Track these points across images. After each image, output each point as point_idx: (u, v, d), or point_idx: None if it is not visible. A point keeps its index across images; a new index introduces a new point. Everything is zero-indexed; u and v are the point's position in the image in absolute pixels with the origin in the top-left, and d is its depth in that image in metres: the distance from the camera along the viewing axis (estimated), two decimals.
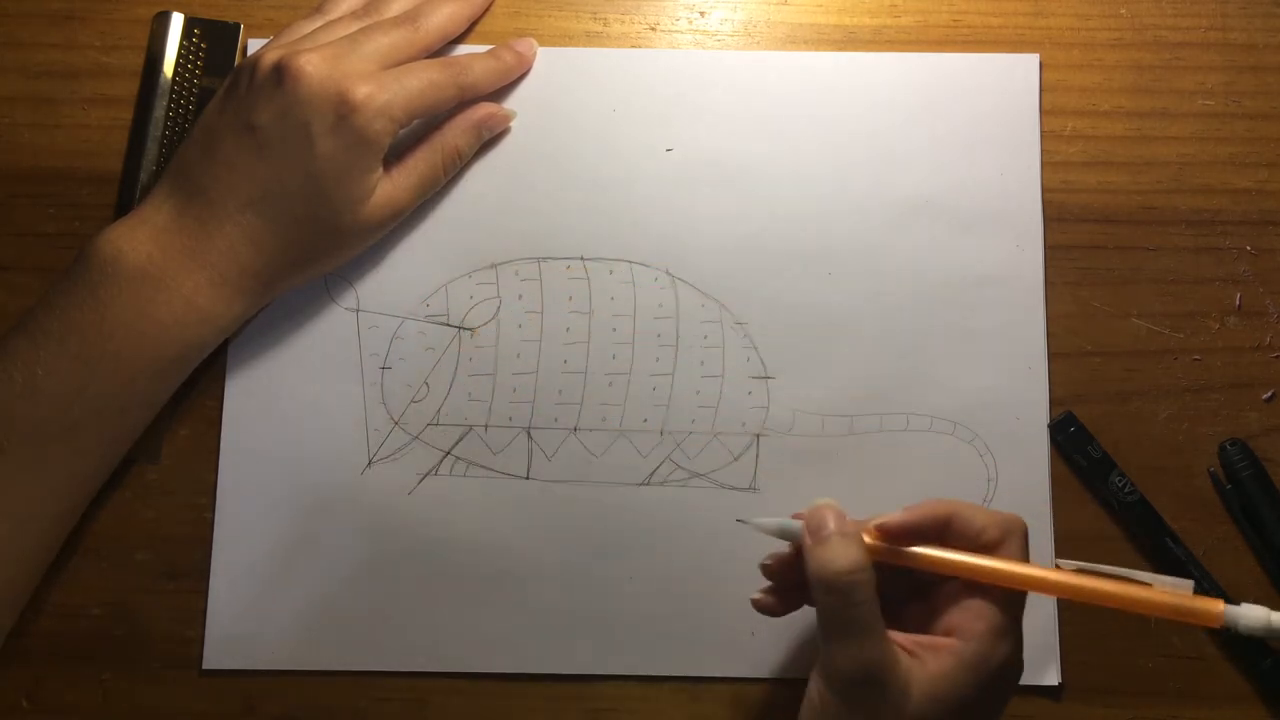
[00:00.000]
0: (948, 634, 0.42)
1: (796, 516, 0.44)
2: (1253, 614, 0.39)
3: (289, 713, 0.50)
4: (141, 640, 0.50)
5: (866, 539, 0.43)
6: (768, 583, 0.46)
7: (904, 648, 0.42)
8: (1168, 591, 0.41)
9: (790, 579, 0.45)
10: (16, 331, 0.46)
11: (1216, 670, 0.50)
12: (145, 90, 0.53)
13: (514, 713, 0.50)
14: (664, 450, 0.51)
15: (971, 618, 0.42)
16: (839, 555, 0.42)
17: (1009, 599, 0.42)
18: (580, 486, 0.51)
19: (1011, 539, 0.43)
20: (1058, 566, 0.42)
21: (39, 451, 0.46)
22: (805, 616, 0.50)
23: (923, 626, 0.44)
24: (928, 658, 0.42)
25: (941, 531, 0.44)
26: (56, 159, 0.53)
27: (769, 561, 0.46)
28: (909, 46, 0.54)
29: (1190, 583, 0.40)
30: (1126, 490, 0.50)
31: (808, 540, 0.43)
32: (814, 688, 0.43)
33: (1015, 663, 0.43)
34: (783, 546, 0.45)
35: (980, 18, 0.54)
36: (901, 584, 0.45)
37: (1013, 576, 0.42)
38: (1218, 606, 0.40)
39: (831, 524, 0.43)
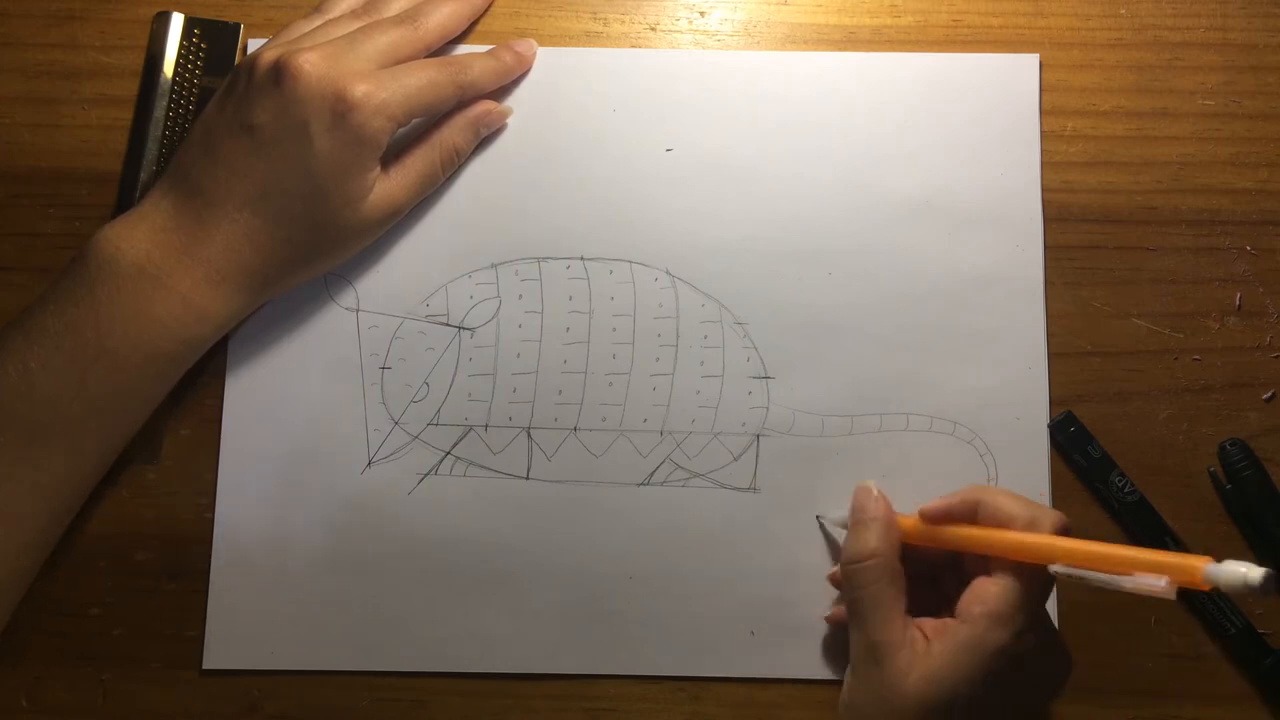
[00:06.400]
0: (955, 616, 0.43)
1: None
2: (1231, 570, 0.37)
3: (289, 713, 0.50)
4: (141, 640, 0.50)
5: (906, 523, 0.46)
6: (836, 592, 0.49)
7: (924, 633, 0.43)
8: (1149, 551, 0.40)
9: None
10: (13, 328, 0.46)
11: (1216, 670, 0.50)
12: (145, 90, 0.53)
13: (514, 713, 0.50)
14: (664, 450, 0.51)
15: (972, 600, 0.43)
16: (850, 544, 0.46)
17: (1015, 584, 0.43)
18: (580, 486, 0.51)
19: (1040, 529, 0.43)
20: (1052, 572, 0.42)
21: (34, 448, 0.45)
22: (805, 618, 0.50)
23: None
24: (935, 641, 0.43)
25: (972, 516, 0.45)
26: (56, 159, 0.53)
27: (835, 571, 0.49)
28: (909, 46, 0.54)
29: (1165, 579, 0.39)
30: (1126, 490, 0.50)
31: (851, 525, 0.47)
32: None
33: (1019, 650, 0.42)
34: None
35: (980, 18, 0.54)
36: (955, 570, 0.46)
37: (989, 541, 0.44)
38: (1199, 564, 0.38)
39: (868, 510, 0.46)
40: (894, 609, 0.44)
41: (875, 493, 0.47)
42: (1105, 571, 0.41)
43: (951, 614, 0.44)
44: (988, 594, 0.43)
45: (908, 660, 0.42)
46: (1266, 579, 0.36)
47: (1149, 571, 0.39)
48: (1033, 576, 0.43)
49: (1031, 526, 0.43)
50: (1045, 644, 0.44)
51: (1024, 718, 0.44)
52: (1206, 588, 0.38)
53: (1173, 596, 0.39)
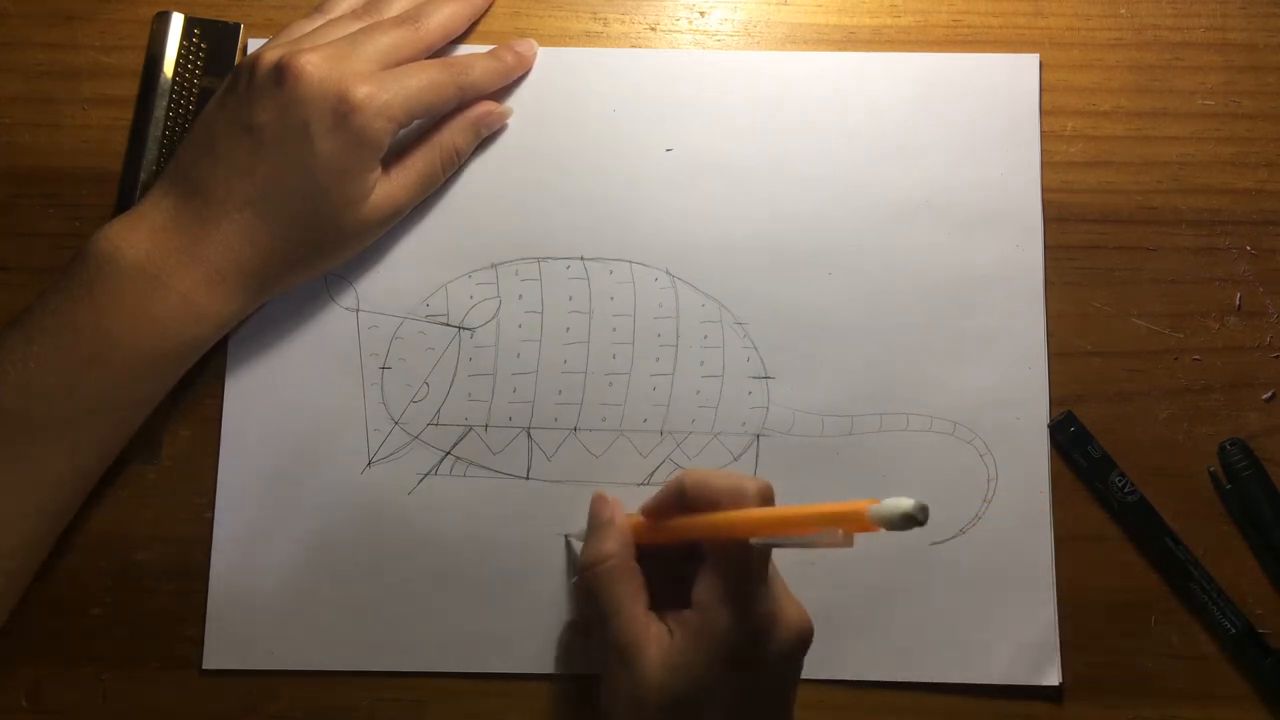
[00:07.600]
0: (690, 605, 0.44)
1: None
2: (890, 505, 0.36)
3: (289, 713, 0.50)
4: (141, 640, 0.50)
5: (634, 523, 0.47)
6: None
7: (669, 626, 0.44)
8: (822, 506, 0.40)
9: None
10: (12, 327, 0.46)
11: (1216, 670, 0.50)
12: (145, 90, 0.53)
13: (514, 713, 0.50)
14: (664, 450, 0.51)
15: (700, 587, 0.44)
16: (586, 549, 0.47)
17: (733, 566, 0.43)
18: (580, 486, 0.51)
19: (745, 502, 0.43)
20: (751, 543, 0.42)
21: (31, 447, 0.45)
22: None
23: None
24: (676, 632, 0.43)
25: (687, 503, 0.45)
26: (56, 159, 0.53)
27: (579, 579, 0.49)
28: (909, 46, 0.54)
29: (840, 530, 0.39)
30: (1126, 490, 0.50)
31: (587, 532, 0.48)
32: None
33: (752, 626, 0.42)
34: None
35: (980, 18, 0.54)
36: (697, 559, 0.46)
37: (696, 526, 0.44)
38: (862, 506, 0.37)
39: (602, 515, 0.47)
40: (635, 608, 0.44)
41: (609, 499, 0.48)
42: (792, 534, 0.40)
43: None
44: (710, 577, 0.43)
45: (654, 655, 0.43)
46: (918, 507, 0.35)
47: (824, 526, 0.39)
48: (744, 551, 0.43)
49: (737, 498, 0.43)
50: (777, 614, 0.43)
51: (773, 688, 0.44)
52: (876, 529, 0.37)
53: (851, 545, 0.38)
